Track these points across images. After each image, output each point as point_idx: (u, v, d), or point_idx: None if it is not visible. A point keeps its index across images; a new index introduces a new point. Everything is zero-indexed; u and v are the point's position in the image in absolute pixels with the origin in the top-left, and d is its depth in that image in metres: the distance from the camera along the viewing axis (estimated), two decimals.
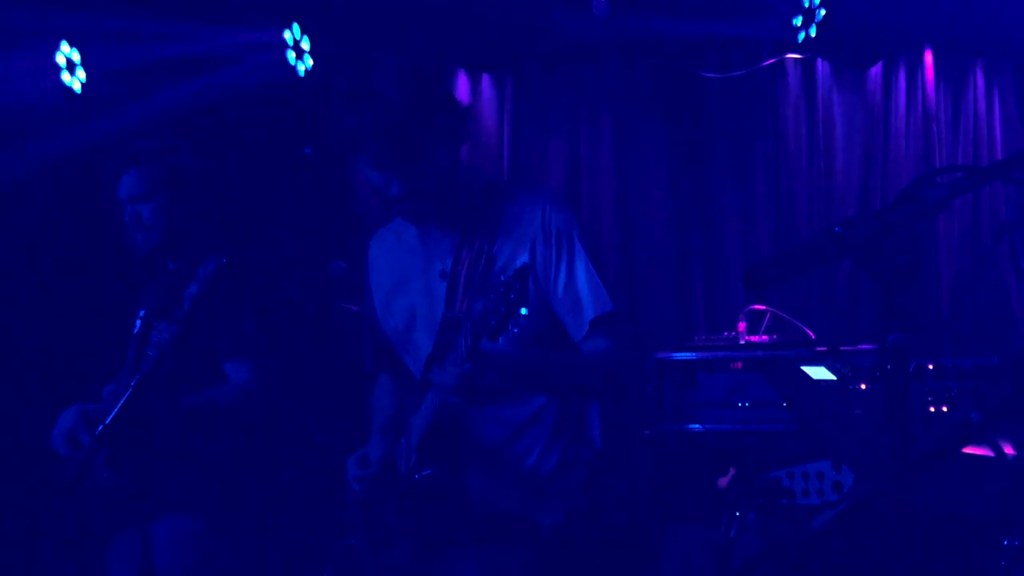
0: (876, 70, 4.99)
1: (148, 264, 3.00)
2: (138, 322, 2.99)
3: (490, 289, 1.95)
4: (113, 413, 2.26)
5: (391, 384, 2.73)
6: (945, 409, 3.31)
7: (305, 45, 4.95)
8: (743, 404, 4.04)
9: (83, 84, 4.89)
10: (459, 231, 2.43)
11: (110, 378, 2.96)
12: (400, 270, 2.58)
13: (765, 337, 4.24)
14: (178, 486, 2.73)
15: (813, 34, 4.62)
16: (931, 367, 3.41)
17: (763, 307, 4.38)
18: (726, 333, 4.39)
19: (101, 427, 2.35)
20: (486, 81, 5.31)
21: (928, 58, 4.88)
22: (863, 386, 3.55)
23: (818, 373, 3.70)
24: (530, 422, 2.43)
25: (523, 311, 1.89)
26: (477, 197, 2.45)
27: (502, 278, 1.92)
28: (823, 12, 4.56)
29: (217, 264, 2.77)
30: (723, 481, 3.58)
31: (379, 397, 2.77)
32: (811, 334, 4.25)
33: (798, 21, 4.63)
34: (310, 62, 4.94)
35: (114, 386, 2.90)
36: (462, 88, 5.28)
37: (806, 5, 4.59)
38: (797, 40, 4.68)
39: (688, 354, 4.23)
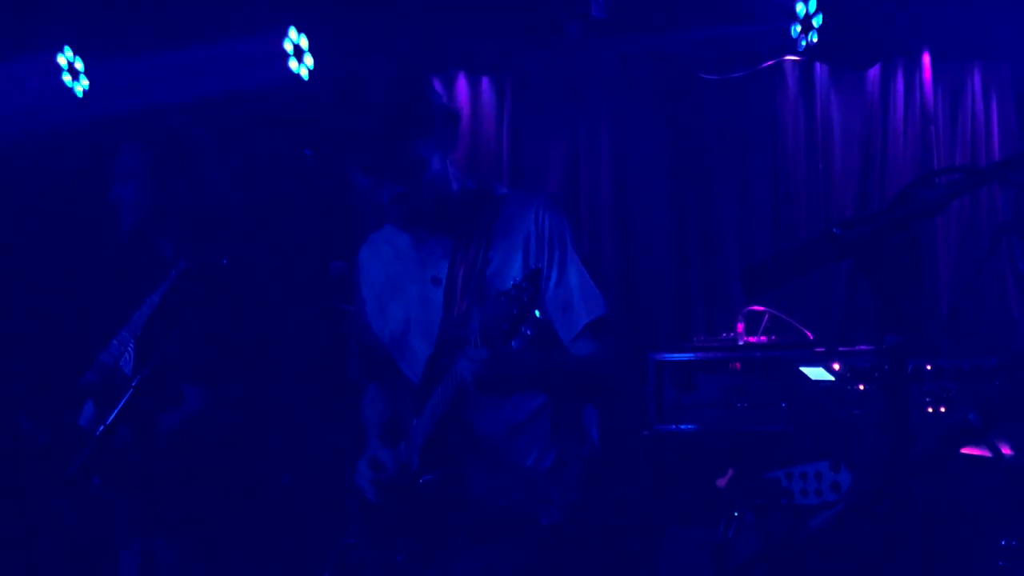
0: (874, 72, 5.00)
1: (135, 247, 2.96)
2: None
3: (500, 293, 1.96)
4: (114, 413, 2.26)
5: (383, 392, 2.73)
6: (943, 410, 3.32)
7: (304, 44, 4.97)
8: (742, 405, 4.05)
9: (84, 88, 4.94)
10: (452, 236, 2.44)
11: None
12: (393, 276, 2.58)
13: (763, 338, 4.25)
14: (175, 496, 2.71)
15: (813, 40, 4.62)
16: (929, 368, 3.42)
17: (761, 308, 4.39)
18: (724, 334, 4.40)
19: (102, 427, 2.34)
20: (485, 83, 5.32)
21: (926, 60, 4.89)
22: (861, 387, 3.56)
23: (816, 374, 3.70)
24: (529, 421, 2.43)
25: (536, 314, 1.90)
26: (470, 202, 2.45)
27: (513, 281, 1.93)
28: (821, 19, 4.57)
29: (182, 268, 2.76)
30: (722, 481, 3.59)
31: (372, 406, 2.76)
32: (809, 335, 4.26)
33: (796, 29, 4.63)
34: (311, 62, 4.96)
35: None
36: (461, 90, 5.28)
37: (804, 12, 4.60)
38: (797, 48, 4.69)
39: (687, 355, 4.23)
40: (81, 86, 4.96)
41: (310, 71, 5.00)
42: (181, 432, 2.67)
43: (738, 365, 4.12)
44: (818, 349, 3.99)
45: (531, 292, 1.91)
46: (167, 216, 2.85)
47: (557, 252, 2.37)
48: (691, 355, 4.22)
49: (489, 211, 2.43)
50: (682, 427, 4.10)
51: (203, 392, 2.70)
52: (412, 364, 2.53)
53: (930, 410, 3.33)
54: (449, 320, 2.38)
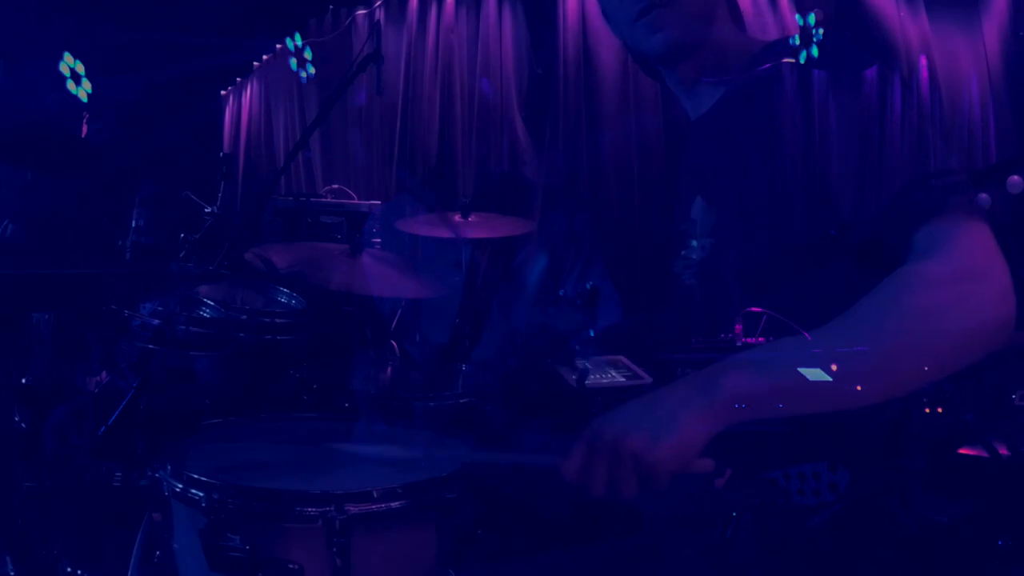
0: (872, 73, 5.01)
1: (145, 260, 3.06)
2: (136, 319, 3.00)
3: (564, 301, 1.97)
4: (117, 413, 2.27)
5: (382, 367, 2.74)
6: (940, 410, 3.33)
7: (307, 55, 5.01)
8: (740, 405, 4.05)
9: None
10: (480, 222, 2.44)
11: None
12: (411, 258, 2.58)
13: (762, 339, 4.25)
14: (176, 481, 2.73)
15: (815, 54, 4.63)
16: None
17: (759, 309, 4.39)
18: (723, 335, 4.40)
19: (103, 428, 2.36)
20: (484, 83, 5.34)
21: (923, 61, 4.90)
22: (859, 387, 3.56)
23: (814, 374, 3.71)
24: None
25: (591, 333, 1.92)
26: (501, 187, 2.46)
27: (574, 299, 1.94)
28: (821, 32, 4.58)
29: (184, 266, 2.82)
30: (720, 482, 3.59)
31: (367, 381, 2.77)
32: (807, 336, 4.26)
33: (796, 40, 4.64)
34: (312, 69, 5.00)
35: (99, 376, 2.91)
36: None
37: (803, 24, 4.60)
38: (799, 61, 4.70)
39: (685, 356, 4.23)
40: (84, 91, 4.99)
41: (310, 76, 5.04)
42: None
43: None
44: (815, 350, 3.99)
45: (587, 311, 1.93)
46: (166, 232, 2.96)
47: (584, 253, 2.39)
48: (689, 356, 4.22)
49: (518, 199, 2.44)
50: None
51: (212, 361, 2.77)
52: (421, 346, 2.54)
53: (927, 410, 3.34)
54: (467, 307, 2.39)
